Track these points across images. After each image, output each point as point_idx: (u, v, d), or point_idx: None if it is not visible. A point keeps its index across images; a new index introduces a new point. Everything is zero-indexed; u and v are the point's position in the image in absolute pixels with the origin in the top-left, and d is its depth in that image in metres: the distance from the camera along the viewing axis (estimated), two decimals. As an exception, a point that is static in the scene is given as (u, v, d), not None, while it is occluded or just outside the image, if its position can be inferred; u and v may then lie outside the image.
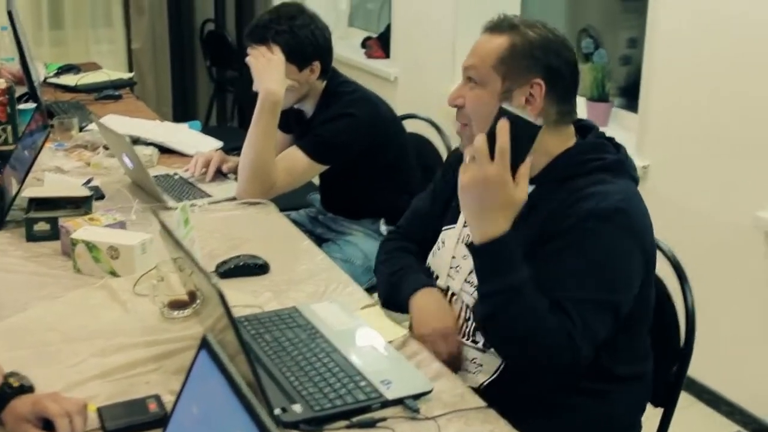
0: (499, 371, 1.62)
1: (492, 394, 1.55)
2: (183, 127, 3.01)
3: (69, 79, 3.77)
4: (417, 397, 1.43)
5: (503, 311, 1.49)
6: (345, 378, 1.45)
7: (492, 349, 1.61)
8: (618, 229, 1.52)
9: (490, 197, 1.46)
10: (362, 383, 1.44)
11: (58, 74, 3.88)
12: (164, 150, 2.78)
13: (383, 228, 2.61)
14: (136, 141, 2.81)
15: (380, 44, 4.79)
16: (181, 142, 2.79)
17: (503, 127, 1.42)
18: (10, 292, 1.80)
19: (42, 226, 2.06)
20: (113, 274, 1.87)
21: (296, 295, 1.82)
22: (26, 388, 1.36)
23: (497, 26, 1.63)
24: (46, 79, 3.78)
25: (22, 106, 2.82)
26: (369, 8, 5.36)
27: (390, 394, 1.41)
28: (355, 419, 1.37)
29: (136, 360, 1.53)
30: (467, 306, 1.66)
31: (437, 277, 1.76)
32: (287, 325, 1.64)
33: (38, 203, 2.17)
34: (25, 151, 2.27)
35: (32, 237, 2.06)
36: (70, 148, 2.75)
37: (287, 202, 2.90)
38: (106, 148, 2.68)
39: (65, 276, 1.89)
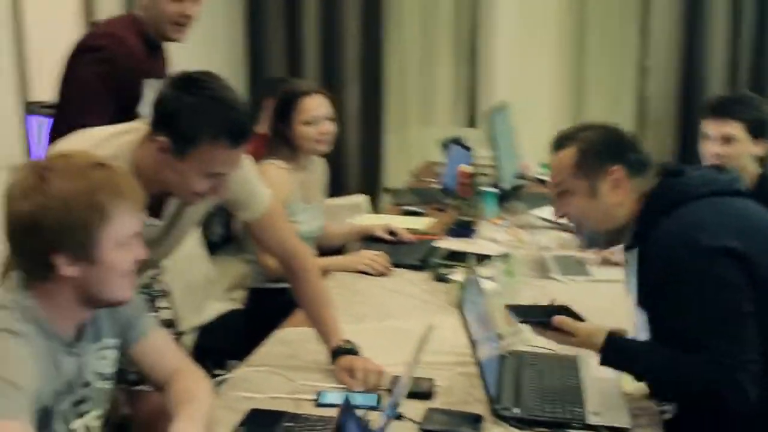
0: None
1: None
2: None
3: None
4: (614, 429, 1.78)
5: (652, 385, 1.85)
6: (568, 400, 1.88)
7: None
8: (700, 257, 1.74)
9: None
10: (577, 408, 1.85)
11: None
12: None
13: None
14: (562, 227, 3.41)
15: None
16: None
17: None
18: (396, 307, 2.55)
19: (443, 270, 2.77)
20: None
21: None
22: (352, 351, 2.04)
23: (558, 143, 1.97)
24: (537, 175, 4.57)
25: (485, 189, 3.59)
26: None
27: (591, 420, 1.81)
28: (556, 429, 1.79)
29: (443, 362, 2.12)
30: None
31: None
32: (559, 365, 2.09)
33: (454, 255, 2.89)
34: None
35: (438, 278, 2.78)
36: (511, 226, 3.44)
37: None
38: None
39: (442, 306, 2.56)
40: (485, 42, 5.91)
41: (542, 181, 4.47)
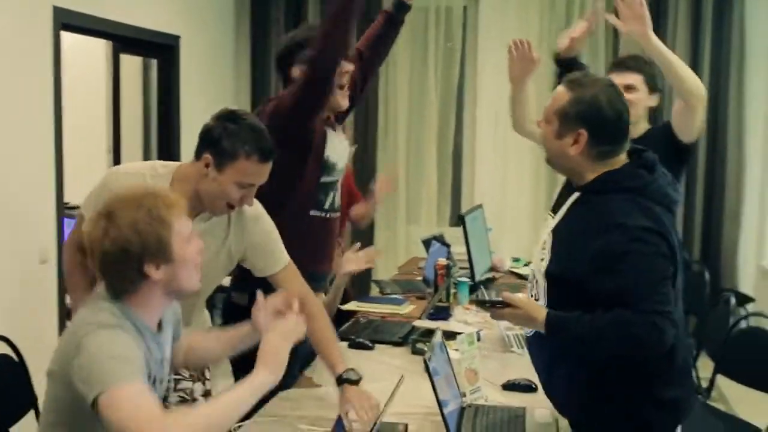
0: None
1: None
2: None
3: (524, 270, 5.04)
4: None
5: (583, 345, 2.23)
6: (510, 439, 2.38)
7: None
8: (633, 242, 2.13)
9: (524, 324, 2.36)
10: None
11: (523, 266, 5.20)
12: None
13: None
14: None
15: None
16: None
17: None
18: (379, 373, 3.03)
19: (420, 345, 3.28)
20: (441, 375, 2.98)
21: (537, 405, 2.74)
22: (351, 380, 2.55)
23: (570, 83, 2.31)
24: (510, 268, 5.12)
25: (461, 279, 4.13)
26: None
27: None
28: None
29: (416, 412, 2.62)
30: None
31: None
32: (508, 413, 2.60)
33: (429, 333, 3.40)
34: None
35: (414, 351, 3.29)
36: (480, 311, 3.96)
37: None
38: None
39: (418, 372, 3.05)
40: (467, 150, 6.56)
41: (514, 273, 5.04)
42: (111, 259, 1.95)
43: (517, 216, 6.43)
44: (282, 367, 2.04)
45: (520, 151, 6.37)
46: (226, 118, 2.43)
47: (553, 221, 2.37)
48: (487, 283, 4.52)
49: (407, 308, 4.09)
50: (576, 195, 2.34)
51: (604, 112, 2.27)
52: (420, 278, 4.76)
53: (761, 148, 6.05)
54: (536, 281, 2.38)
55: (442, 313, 3.87)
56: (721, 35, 5.96)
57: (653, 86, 3.41)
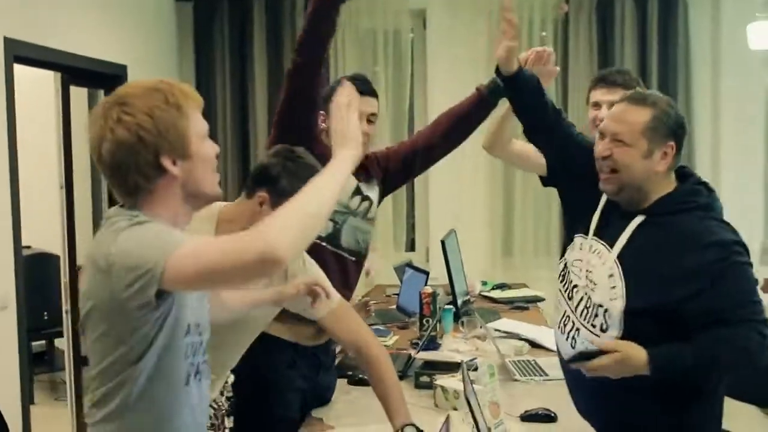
0: None
1: None
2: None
3: (496, 294, 5.00)
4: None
5: (693, 374, 2.19)
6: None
7: None
8: (730, 256, 2.15)
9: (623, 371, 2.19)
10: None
11: (492, 290, 5.15)
12: (536, 345, 3.76)
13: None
14: (514, 336, 3.86)
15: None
16: (546, 339, 3.75)
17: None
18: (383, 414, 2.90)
19: (424, 378, 3.16)
20: (455, 409, 2.87)
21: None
22: None
23: (636, 100, 2.29)
24: (481, 292, 5.06)
25: (446, 307, 4.04)
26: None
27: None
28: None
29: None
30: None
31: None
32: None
33: (428, 365, 3.29)
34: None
35: (418, 385, 3.17)
36: (470, 337, 3.87)
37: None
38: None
39: (429, 408, 2.94)
40: (422, 175, 6.46)
41: (486, 297, 4.98)
42: (124, 150, 1.75)
43: (472, 239, 6.35)
44: (357, 135, 1.93)
45: (475, 174, 6.32)
46: (285, 156, 2.36)
47: (606, 249, 2.30)
48: (464, 306, 4.43)
49: (392, 339, 3.98)
50: (640, 218, 2.28)
51: (684, 122, 2.32)
52: (392, 307, 4.65)
53: (709, 166, 6.13)
54: (600, 314, 2.28)
55: (430, 343, 3.77)
56: (667, 49, 6.05)
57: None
